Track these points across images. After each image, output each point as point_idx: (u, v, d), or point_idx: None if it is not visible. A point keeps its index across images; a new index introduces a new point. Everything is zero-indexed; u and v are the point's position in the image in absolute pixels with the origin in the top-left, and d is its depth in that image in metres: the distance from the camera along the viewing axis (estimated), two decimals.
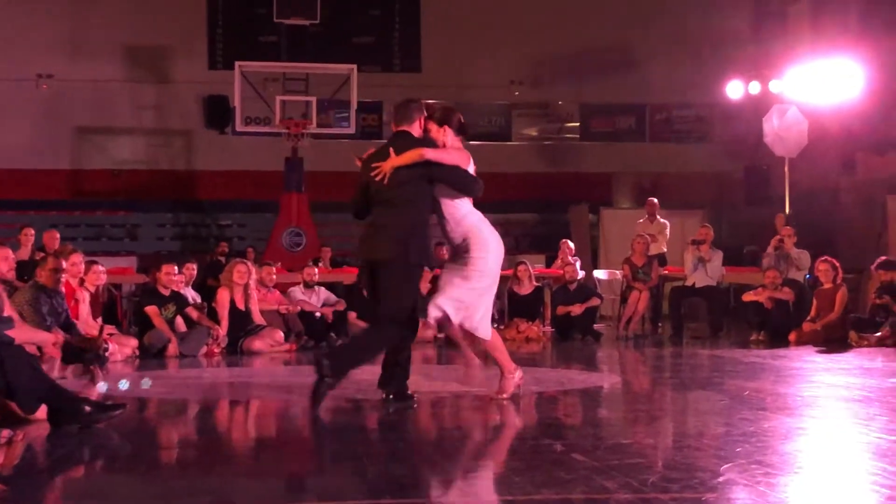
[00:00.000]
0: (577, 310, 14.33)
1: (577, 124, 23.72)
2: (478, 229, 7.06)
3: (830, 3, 20.30)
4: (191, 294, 12.95)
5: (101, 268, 11.58)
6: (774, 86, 18.31)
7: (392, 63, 24.54)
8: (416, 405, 6.92)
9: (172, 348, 11.45)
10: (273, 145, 20.58)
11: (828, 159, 19.48)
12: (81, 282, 11.05)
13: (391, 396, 6.95)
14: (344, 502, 4.33)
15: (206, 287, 14.45)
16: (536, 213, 23.58)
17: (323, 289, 14.04)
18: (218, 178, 23.38)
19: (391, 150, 6.97)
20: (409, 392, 7.04)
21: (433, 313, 6.97)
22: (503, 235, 7.36)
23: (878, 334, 12.47)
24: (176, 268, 12.34)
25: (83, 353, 8.92)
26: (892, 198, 18.36)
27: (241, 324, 12.28)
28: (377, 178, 6.94)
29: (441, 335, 12.14)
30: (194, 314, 12.10)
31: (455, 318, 6.96)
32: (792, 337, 13.05)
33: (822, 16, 20.48)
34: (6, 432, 5.44)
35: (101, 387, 8.73)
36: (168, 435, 6.41)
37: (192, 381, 9.24)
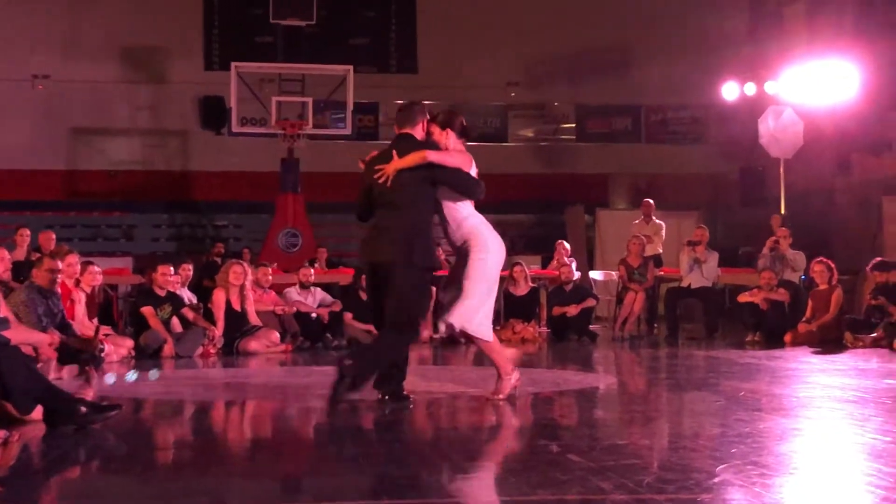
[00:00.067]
0: (572, 311, 14.34)
1: (573, 125, 23.73)
2: (478, 231, 7.09)
3: (826, 4, 20.33)
4: (187, 295, 12.95)
5: (97, 268, 11.58)
6: (770, 87, 18.33)
7: (388, 64, 24.55)
8: (412, 406, 6.92)
9: (168, 349, 11.45)
10: (269, 146, 20.57)
11: (823, 160, 19.50)
12: (77, 282, 11.05)
13: (387, 397, 6.96)
14: (340, 503, 4.33)
15: (202, 288, 14.45)
16: (532, 213, 23.58)
17: (319, 289, 14.04)
18: (214, 179, 23.37)
19: (394, 152, 7.00)
20: (406, 393, 7.05)
21: (443, 329, 7.10)
22: (499, 236, 7.37)
23: (874, 335, 12.48)
24: (172, 268, 12.34)
25: (79, 354, 8.92)
26: (888, 199, 18.39)
27: (237, 324, 12.28)
28: (380, 181, 6.96)
29: (438, 336, 12.17)
30: (190, 315, 12.10)
31: (458, 326, 7.03)
32: (787, 338, 13.06)
33: (817, 17, 20.50)
34: (2, 433, 5.44)
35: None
36: (164, 436, 6.41)
37: (187, 382, 9.24)
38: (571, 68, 23.73)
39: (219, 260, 17.25)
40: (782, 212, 17.07)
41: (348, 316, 13.51)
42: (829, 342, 12.75)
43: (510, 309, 14.29)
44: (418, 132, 7.17)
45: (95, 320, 11.11)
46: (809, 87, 17.59)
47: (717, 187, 22.74)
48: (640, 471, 4.62)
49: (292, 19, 20.54)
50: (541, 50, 23.69)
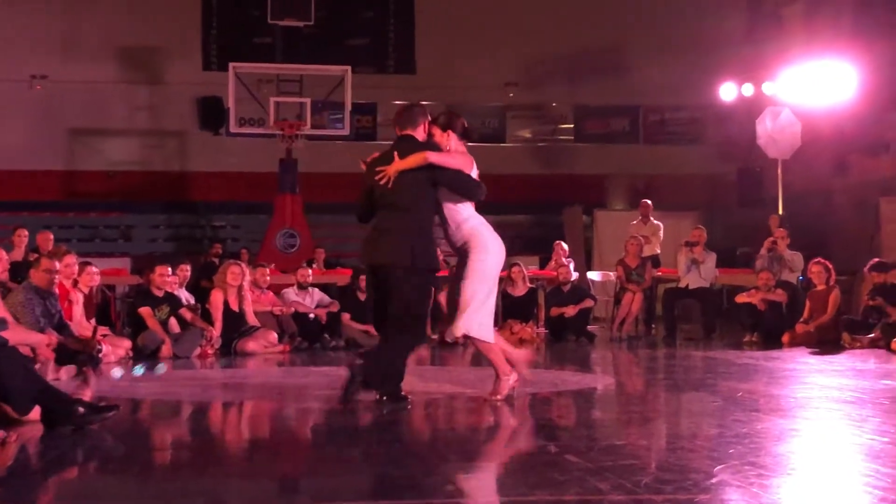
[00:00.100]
0: (570, 311, 14.34)
1: (571, 126, 23.74)
2: (478, 233, 7.11)
3: (824, 5, 20.34)
4: (184, 295, 12.94)
5: (94, 269, 11.58)
6: (767, 88, 18.33)
7: (386, 64, 24.54)
8: (410, 406, 6.93)
9: (166, 349, 11.45)
10: (267, 146, 20.56)
11: (821, 161, 19.50)
12: (75, 283, 11.05)
13: (385, 397, 6.96)
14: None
15: (200, 288, 14.44)
16: (530, 214, 23.57)
17: (317, 290, 14.05)
18: (212, 180, 23.36)
19: (395, 154, 7.01)
20: (404, 393, 7.05)
21: (450, 338, 7.19)
22: (500, 237, 7.39)
23: (871, 336, 12.49)
24: (170, 269, 12.34)
25: (77, 355, 8.93)
26: (885, 200, 18.39)
27: (235, 325, 12.28)
28: (381, 182, 6.97)
29: (434, 336, 12.18)
30: (188, 315, 12.10)
31: (461, 333, 7.07)
32: (785, 338, 13.07)
33: (815, 18, 20.51)
34: (0, 433, 5.44)
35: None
36: (161, 436, 6.41)
37: (185, 383, 9.23)
38: (569, 69, 23.72)
39: (217, 260, 17.24)
40: (780, 212, 17.08)
41: (346, 316, 13.52)
42: (826, 343, 12.76)
43: (508, 309, 14.28)
44: (420, 134, 7.20)
45: (93, 321, 11.11)
46: (807, 88, 17.59)
47: (714, 188, 22.73)
48: (637, 471, 4.63)
49: (290, 20, 20.53)
50: (539, 51, 23.69)
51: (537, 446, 5.67)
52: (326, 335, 13.28)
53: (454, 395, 7.70)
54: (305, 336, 13.08)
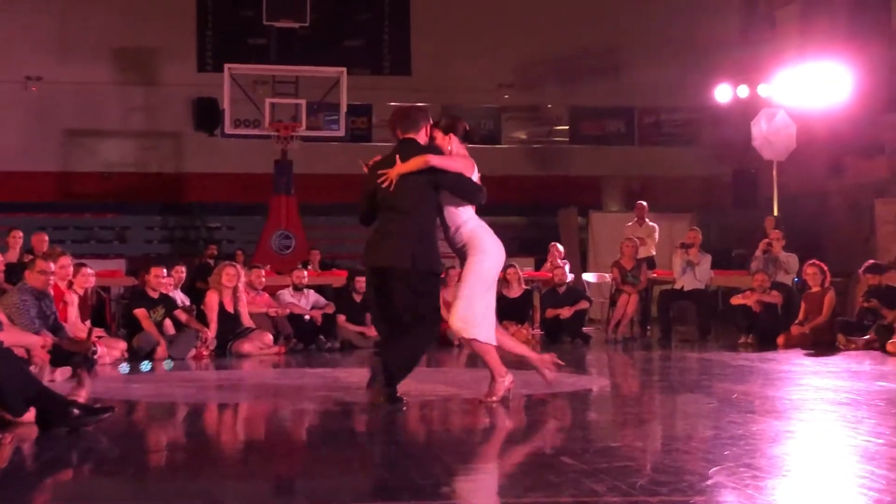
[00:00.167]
0: (566, 313, 14.36)
1: (567, 128, 23.77)
2: (477, 235, 7.14)
3: (819, 7, 20.36)
4: (180, 297, 12.94)
5: (89, 270, 11.56)
6: (763, 89, 18.37)
7: (382, 66, 24.54)
8: (405, 408, 6.92)
9: (161, 351, 11.43)
10: (262, 148, 20.54)
11: (816, 163, 19.53)
12: (70, 284, 11.02)
13: (381, 399, 6.95)
14: None
15: (195, 290, 14.44)
16: (525, 216, 23.58)
17: (312, 291, 14.04)
18: (207, 181, 23.34)
19: (397, 157, 7.03)
20: (399, 395, 7.05)
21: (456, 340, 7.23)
22: (499, 239, 7.40)
23: (866, 337, 12.51)
24: (165, 270, 12.34)
25: (72, 356, 8.91)
26: (880, 201, 18.42)
27: (230, 326, 12.28)
28: (383, 185, 6.99)
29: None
30: (183, 317, 12.09)
31: (461, 334, 7.08)
32: (780, 340, 13.08)
33: (810, 20, 20.53)
34: None
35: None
36: (157, 438, 6.40)
37: (180, 384, 9.22)
38: (565, 71, 23.73)
39: (212, 262, 17.23)
40: (775, 214, 17.10)
41: (341, 318, 13.52)
42: (821, 344, 12.78)
43: (503, 311, 14.15)
44: (421, 137, 7.23)
45: (88, 322, 11.11)
46: (802, 90, 17.63)
47: (709, 190, 22.75)
48: (633, 473, 4.62)
49: (285, 21, 20.51)
50: (534, 52, 23.71)
51: (533, 448, 5.67)
52: (322, 337, 13.28)
53: (449, 397, 7.70)
54: (301, 337, 13.08)
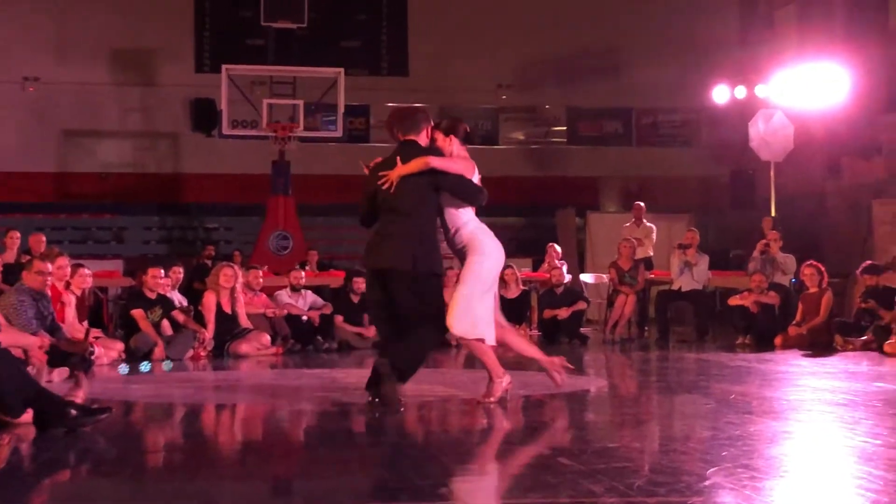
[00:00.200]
0: (563, 313, 14.36)
1: (564, 128, 23.74)
2: (477, 237, 7.16)
3: (816, 8, 20.37)
4: (177, 297, 12.93)
5: (87, 271, 11.55)
6: (760, 90, 18.37)
7: (379, 66, 24.53)
8: (402, 409, 6.92)
9: (159, 352, 11.42)
10: (260, 148, 20.54)
11: (813, 164, 19.54)
12: (67, 285, 11.01)
13: (377, 399, 6.96)
14: None
15: (193, 290, 14.43)
16: (523, 216, 23.58)
17: (310, 292, 14.04)
18: (205, 182, 23.33)
19: (398, 159, 7.04)
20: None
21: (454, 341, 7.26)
22: (499, 241, 7.41)
23: (864, 338, 12.52)
24: (162, 271, 12.33)
25: (69, 357, 8.91)
26: (878, 202, 18.42)
27: (228, 327, 12.27)
28: (384, 187, 7.00)
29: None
30: (181, 318, 12.08)
31: (457, 334, 7.10)
32: (777, 341, 13.09)
33: (807, 21, 20.54)
34: None
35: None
36: (154, 438, 6.40)
37: (178, 385, 9.22)
38: (562, 71, 23.73)
39: (209, 262, 17.22)
40: (773, 215, 17.10)
41: (339, 318, 13.51)
42: (819, 345, 12.78)
43: (501, 311, 14.26)
44: (422, 139, 7.26)
45: (85, 323, 11.10)
46: (800, 91, 17.63)
47: (707, 190, 22.75)
48: (630, 474, 4.63)
49: (283, 22, 20.50)
50: (532, 53, 23.70)
51: (530, 449, 5.67)
52: (319, 337, 13.27)
53: (447, 398, 7.70)
54: (298, 338, 13.07)
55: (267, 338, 12.44)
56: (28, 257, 12.17)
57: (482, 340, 7.11)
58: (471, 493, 4.60)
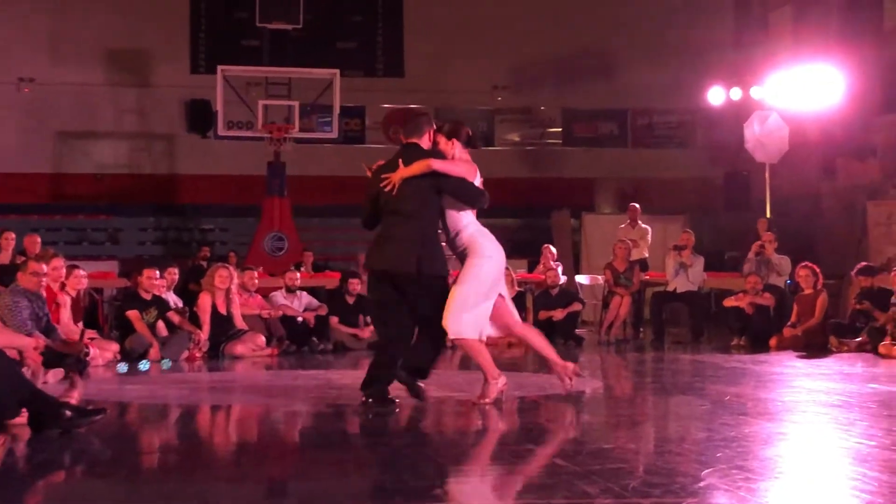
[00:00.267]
0: (558, 315, 14.36)
1: (560, 129, 23.73)
2: (478, 240, 7.18)
3: (811, 9, 20.39)
4: (172, 298, 12.92)
5: (82, 272, 11.55)
6: (755, 92, 18.38)
7: (375, 68, 24.51)
8: (397, 410, 6.93)
9: (154, 353, 11.41)
10: (255, 149, 20.52)
11: (808, 165, 19.55)
12: (62, 286, 11.01)
13: (371, 400, 6.97)
14: None
15: (188, 291, 14.41)
16: (518, 218, 23.56)
17: (305, 293, 14.03)
18: (200, 183, 23.31)
19: (400, 161, 7.06)
20: (391, 397, 7.06)
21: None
22: (499, 243, 7.42)
23: (858, 340, 12.53)
24: (158, 272, 12.31)
25: (64, 358, 8.89)
26: (873, 204, 18.43)
27: (223, 328, 12.27)
28: (386, 189, 7.01)
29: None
30: (176, 318, 12.07)
31: (451, 335, 7.12)
32: (772, 342, 13.09)
33: (803, 22, 20.56)
34: None
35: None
36: (149, 440, 6.40)
37: (173, 386, 9.22)
38: (558, 73, 23.74)
39: (205, 263, 17.21)
40: (768, 216, 17.11)
41: (334, 320, 13.50)
42: (814, 346, 12.79)
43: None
44: (425, 142, 7.31)
45: (81, 324, 11.08)
46: (795, 92, 17.64)
47: (702, 192, 22.75)
48: (625, 475, 4.63)
49: (279, 23, 20.49)
50: (527, 54, 23.71)
51: (525, 450, 5.67)
52: (314, 338, 13.26)
53: (442, 399, 7.69)
54: (293, 339, 13.06)
55: (262, 339, 12.43)
56: (23, 258, 12.15)
57: (479, 339, 7.12)
58: (466, 494, 4.60)
